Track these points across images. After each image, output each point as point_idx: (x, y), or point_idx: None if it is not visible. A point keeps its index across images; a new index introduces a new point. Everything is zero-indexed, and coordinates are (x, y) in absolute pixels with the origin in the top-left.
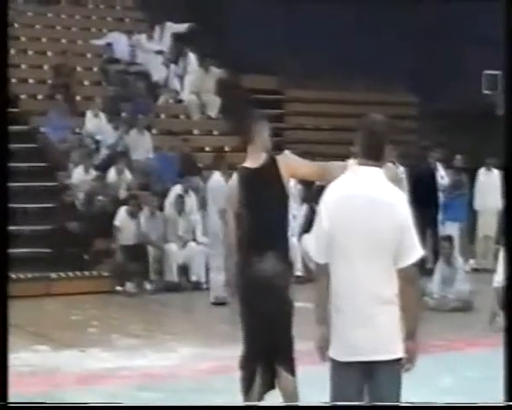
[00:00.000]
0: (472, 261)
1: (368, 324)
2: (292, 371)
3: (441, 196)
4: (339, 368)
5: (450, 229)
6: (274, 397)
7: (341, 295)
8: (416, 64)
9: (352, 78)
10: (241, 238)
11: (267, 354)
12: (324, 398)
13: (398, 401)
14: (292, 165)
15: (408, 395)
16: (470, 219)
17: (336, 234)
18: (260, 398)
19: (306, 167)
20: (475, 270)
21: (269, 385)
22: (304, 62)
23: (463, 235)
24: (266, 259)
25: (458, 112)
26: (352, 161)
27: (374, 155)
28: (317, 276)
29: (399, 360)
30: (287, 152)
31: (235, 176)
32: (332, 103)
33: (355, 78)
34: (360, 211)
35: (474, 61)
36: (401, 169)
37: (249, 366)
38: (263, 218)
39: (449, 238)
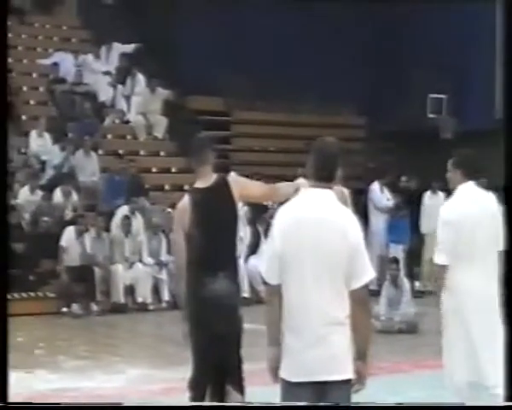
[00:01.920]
0: (418, 284)
1: (320, 344)
2: (241, 391)
3: (386, 218)
4: (289, 388)
5: (395, 251)
6: None
7: (293, 315)
8: (363, 87)
9: (299, 100)
10: (192, 259)
11: (217, 373)
12: None
13: None
14: (242, 185)
15: None
16: (416, 241)
17: (288, 255)
18: None
19: (257, 188)
20: (421, 292)
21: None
22: (251, 84)
23: (408, 257)
24: (218, 279)
25: (404, 135)
26: (300, 180)
27: (325, 177)
28: (269, 297)
29: (349, 380)
30: (233, 174)
31: (186, 197)
32: (279, 125)
33: (302, 100)
34: (312, 233)
35: (419, 85)
36: (346, 192)
37: (199, 386)
38: (215, 238)
39: (395, 260)
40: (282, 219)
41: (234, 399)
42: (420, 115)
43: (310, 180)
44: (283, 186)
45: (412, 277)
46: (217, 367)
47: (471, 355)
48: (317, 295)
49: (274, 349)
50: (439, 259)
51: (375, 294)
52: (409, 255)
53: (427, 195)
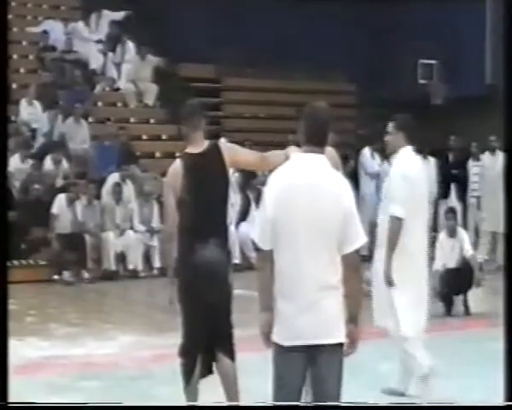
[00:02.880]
0: None
1: (312, 309)
2: (232, 356)
3: (376, 184)
4: (282, 352)
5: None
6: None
7: (286, 280)
8: (353, 54)
9: (289, 67)
10: (183, 225)
11: (207, 340)
12: (261, 383)
13: (339, 384)
14: (234, 152)
15: (346, 381)
16: None
17: (281, 221)
18: (198, 384)
19: (247, 156)
20: None
21: (208, 371)
22: (242, 51)
23: None
24: (208, 246)
25: (395, 101)
26: (292, 148)
27: (317, 143)
28: (261, 262)
29: (341, 344)
30: (223, 140)
31: (178, 161)
32: (270, 92)
33: (293, 67)
34: (305, 198)
35: (410, 52)
36: (337, 156)
37: (190, 352)
38: (206, 204)
39: None
40: (275, 185)
41: (224, 365)
42: (411, 81)
43: (301, 146)
44: (273, 155)
45: None
46: (207, 334)
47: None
48: (309, 260)
49: (266, 315)
50: (398, 211)
51: (367, 259)
52: None
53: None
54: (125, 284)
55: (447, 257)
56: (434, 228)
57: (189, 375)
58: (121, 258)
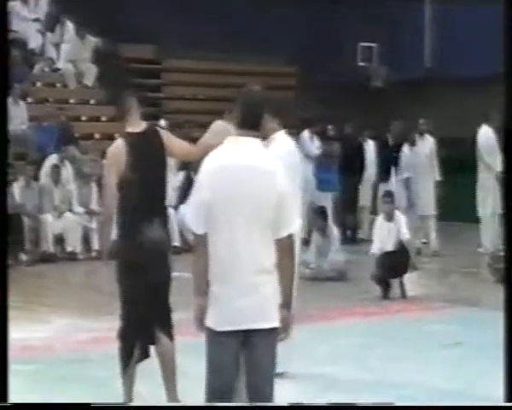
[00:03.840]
0: (349, 231)
1: (247, 293)
2: (171, 337)
3: (315, 167)
4: (215, 337)
5: (324, 199)
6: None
7: (221, 264)
8: (294, 35)
9: (231, 48)
10: (126, 204)
11: (147, 321)
12: (197, 366)
13: (273, 368)
14: (168, 137)
15: (285, 365)
16: (348, 189)
17: (216, 204)
18: (135, 368)
19: (179, 145)
20: (352, 240)
21: (145, 354)
22: (182, 31)
23: (340, 205)
24: (153, 225)
25: (336, 83)
26: (217, 123)
27: (252, 126)
28: (196, 246)
29: (276, 328)
30: (162, 122)
31: (120, 140)
32: (210, 73)
33: (234, 48)
34: (240, 180)
35: (351, 34)
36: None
37: (129, 335)
38: (150, 183)
39: (322, 209)
40: (209, 167)
41: (163, 344)
42: (351, 64)
43: (236, 128)
44: (206, 141)
45: (344, 224)
46: (147, 315)
47: None
48: (244, 243)
49: (200, 299)
50: None
51: (305, 242)
52: (341, 203)
53: None
54: (64, 266)
55: (384, 240)
56: (374, 211)
57: (127, 359)
58: (60, 240)
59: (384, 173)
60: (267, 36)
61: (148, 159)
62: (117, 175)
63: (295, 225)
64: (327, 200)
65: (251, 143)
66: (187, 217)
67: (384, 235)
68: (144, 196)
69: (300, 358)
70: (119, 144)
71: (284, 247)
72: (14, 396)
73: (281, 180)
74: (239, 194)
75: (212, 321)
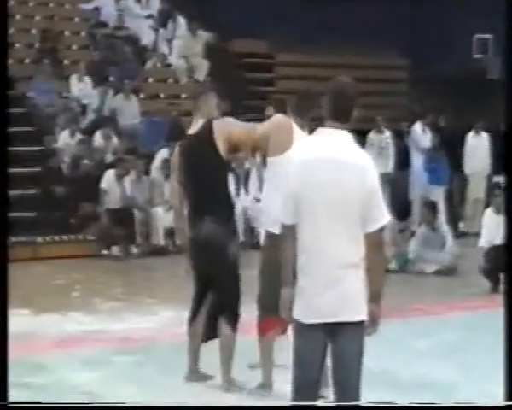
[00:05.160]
0: (461, 225)
1: (334, 286)
2: (233, 328)
3: (427, 160)
4: (303, 330)
5: (435, 192)
6: None
7: (307, 257)
8: (407, 28)
9: (342, 42)
10: (187, 203)
11: (212, 309)
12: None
13: (359, 363)
14: (227, 128)
15: (384, 360)
16: (458, 182)
17: (304, 195)
18: (199, 348)
19: (239, 129)
20: (464, 234)
21: (208, 337)
22: (294, 26)
23: (450, 198)
24: (204, 223)
25: (449, 76)
26: (279, 116)
27: (342, 118)
28: (284, 238)
29: (363, 322)
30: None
31: (177, 145)
32: (322, 67)
33: (346, 42)
34: (329, 173)
35: (464, 25)
36: (387, 134)
37: (192, 318)
38: (198, 184)
39: (432, 204)
40: (299, 158)
41: (224, 334)
42: (465, 56)
43: (326, 120)
44: (263, 128)
45: (454, 218)
46: (210, 303)
47: None
48: (331, 237)
49: (287, 290)
50: None
51: (412, 234)
52: (451, 196)
53: (471, 135)
54: (174, 259)
55: (493, 233)
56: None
57: (191, 338)
58: (170, 233)
59: (498, 165)
60: (379, 29)
61: (194, 162)
62: (176, 178)
63: (385, 219)
64: (438, 193)
65: (341, 135)
66: (276, 208)
67: (493, 228)
68: (194, 196)
69: (400, 353)
70: (175, 149)
71: (373, 241)
72: (111, 388)
73: (371, 175)
74: (327, 187)
75: (298, 313)
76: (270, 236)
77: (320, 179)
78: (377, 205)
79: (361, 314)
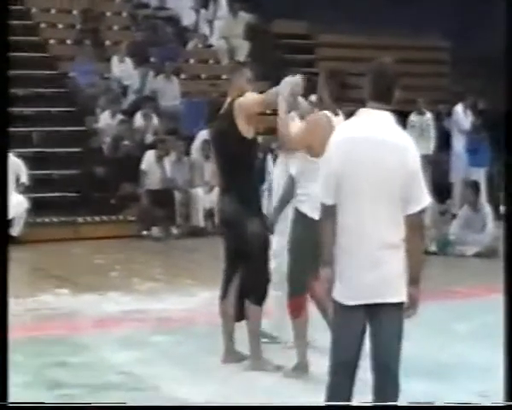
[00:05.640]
0: (502, 207)
1: (374, 267)
2: (259, 302)
3: (468, 141)
4: (342, 310)
5: (477, 174)
6: None
7: (347, 237)
8: (448, 9)
9: (384, 22)
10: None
11: (239, 287)
12: None
13: (399, 344)
14: (245, 104)
15: (422, 342)
16: (501, 165)
17: (345, 175)
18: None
19: (253, 100)
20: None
21: (240, 316)
22: (334, 6)
23: (491, 180)
24: (224, 201)
25: (491, 57)
26: (286, 80)
27: (384, 99)
28: (324, 217)
29: (402, 303)
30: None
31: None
32: (363, 48)
33: (387, 22)
34: (371, 153)
35: (505, 6)
36: (428, 115)
37: (223, 296)
38: (221, 163)
39: (474, 184)
40: (340, 138)
41: (250, 310)
42: (508, 38)
43: (368, 102)
44: (270, 93)
45: (495, 200)
46: (238, 282)
47: None
48: (372, 217)
49: (327, 270)
50: None
51: (453, 217)
52: (493, 178)
53: None
54: (214, 240)
55: None
56: None
57: (223, 319)
58: (210, 214)
59: None
60: (421, 9)
61: (219, 140)
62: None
63: (425, 201)
64: (479, 175)
65: (383, 116)
66: (317, 187)
67: None
68: (219, 175)
69: (441, 335)
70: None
71: (414, 223)
72: (151, 368)
73: (412, 157)
74: (367, 167)
75: (339, 294)
76: (300, 215)
77: (362, 159)
78: (418, 187)
79: (401, 295)
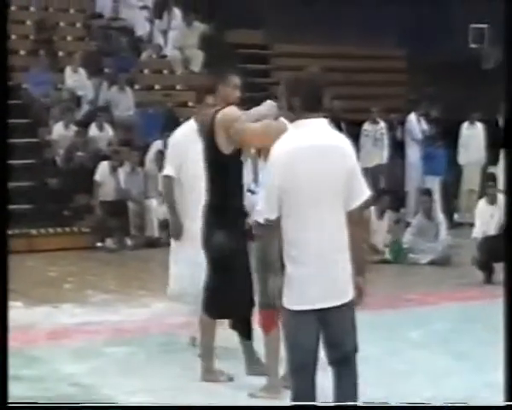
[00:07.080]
0: (456, 215)
1: (323, 273)
2: (209, 315)
3: (422, 150)
4: (292, 316)
5: (431, 183)
6: None
7: (295, 246)
8: (404, 17)
9: (339, 32)
10: None
11: None
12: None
13: (354, 343)
14: (223, 119)
15: (375, 348)
16: (453, 173)
17: (289, 187)
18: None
19: (233, 116)
20: (458, 224)
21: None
22: (290, 16)
23: (445, 189)
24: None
25: (445, 66)
26: (268, 103)
27: (317, 107)
28: (269, 230)
29: (351, 301)
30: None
31: None
32: (319, 58)
33: (342, 31)
34: (312, 162)
35: (461, 15)
36: (382, 125)
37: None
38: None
39: (428, 192)
40: (282, 151)
41: (201, 320)
42: (461, 46)
43: (301, 111)
44: (252, 112)
45: (449, 209)
46: None
47: None
48: (318, 225)
49: (276, 280)
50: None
51: (407, 225)
52: (446, 187)
53: (465, 126)
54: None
55: (487, 224)
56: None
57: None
58: (165, 225)
59: (493, 156)
60: (376, 18)
61: (203, 152)
62: None
63: (365, 194)
64: (433, 183)
65: (317, 123)
66: (259, 203)
67: (486, 219)
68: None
69: (392, 342)
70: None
71: (356, 218)
72: (104, 379)
73: (349, 154)
74: (309, 177)
75: (288, 301)
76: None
77: (303, 169)
78: (358, 181)
79: (349, 295)
